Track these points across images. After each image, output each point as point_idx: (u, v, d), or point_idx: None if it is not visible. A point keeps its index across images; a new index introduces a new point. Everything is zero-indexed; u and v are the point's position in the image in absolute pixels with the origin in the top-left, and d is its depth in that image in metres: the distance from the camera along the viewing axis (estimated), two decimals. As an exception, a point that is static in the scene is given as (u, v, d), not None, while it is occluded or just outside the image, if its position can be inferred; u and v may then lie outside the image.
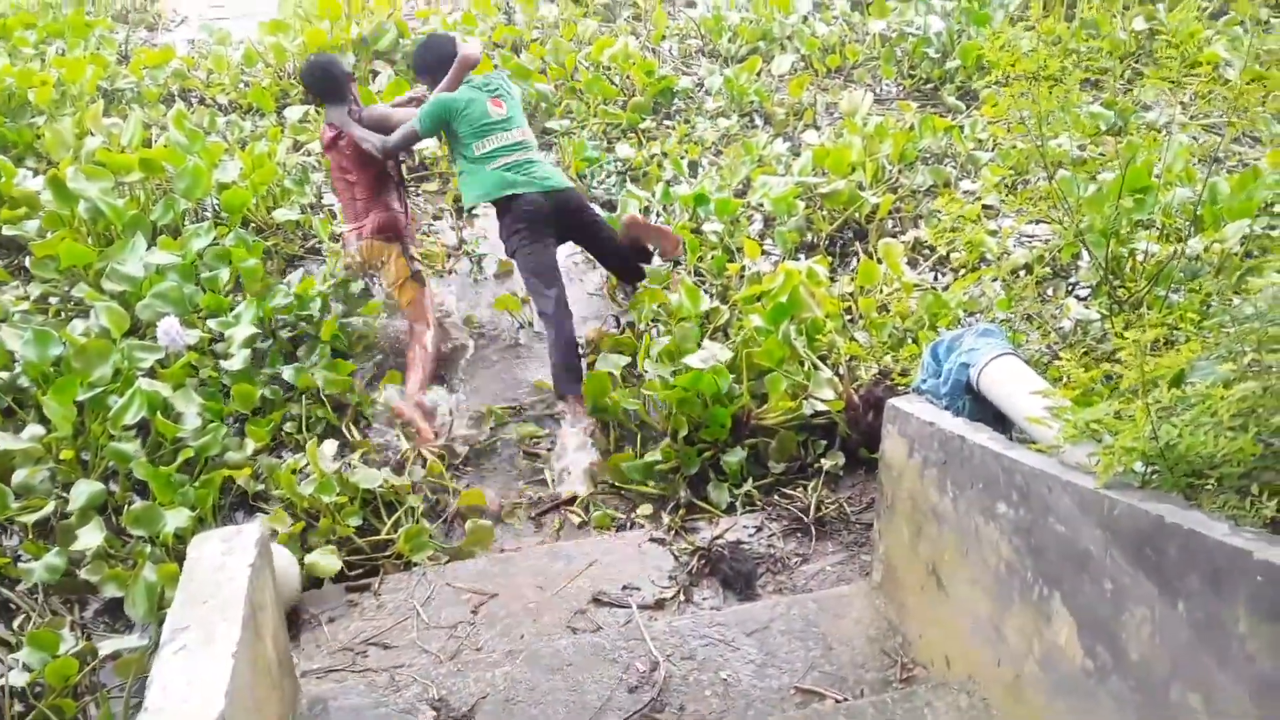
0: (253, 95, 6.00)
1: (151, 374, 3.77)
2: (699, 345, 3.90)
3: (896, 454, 2.69)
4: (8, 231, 4.44)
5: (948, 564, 2.47)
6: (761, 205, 4.84)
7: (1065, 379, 2.53)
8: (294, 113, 5.92)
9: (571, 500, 3.70)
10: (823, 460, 3.59)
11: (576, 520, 3.63)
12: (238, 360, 3.88)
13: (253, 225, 4.88)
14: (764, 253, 4.52)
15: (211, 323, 4.06)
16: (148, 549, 3.12)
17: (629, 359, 4.07)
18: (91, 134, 5.15)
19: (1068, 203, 3.44)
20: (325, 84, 4.38)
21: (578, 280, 5.02)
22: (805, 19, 7.09)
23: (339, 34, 6.56)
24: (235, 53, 6.49)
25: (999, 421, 2.55)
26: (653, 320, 4.25)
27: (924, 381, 2.79)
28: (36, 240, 4.34)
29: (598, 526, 3.57)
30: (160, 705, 1.93)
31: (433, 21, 7.00)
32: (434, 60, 4.33)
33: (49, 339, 3.71)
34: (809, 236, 4.69)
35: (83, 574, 3.09)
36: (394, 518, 3.43)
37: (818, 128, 5.69)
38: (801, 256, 4.46)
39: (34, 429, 3.51)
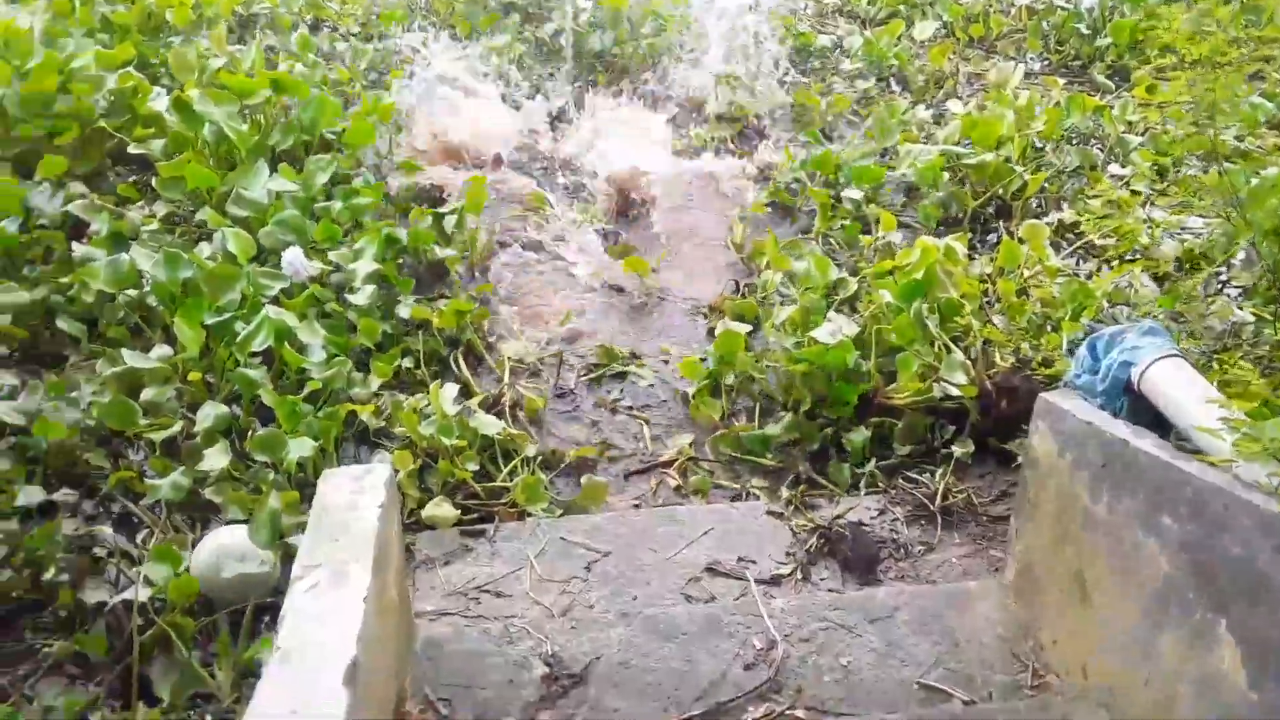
0: (382, 18, 6.05)
1: (275, 302, 3.79)
2: (825, 318, 3.79)
3: (1045, 451, 2.57)
4: (134, 150, 4.48)
5: (1095, 571, 2.35)
6: (905, 176, 4.66)
7: (1239, 386, 2.38)
8: (414, 38, 5.91)
9: (669, 464, 3.63)
10: (952, 447, 3.45)
11: (673, 483, 3.57)
12: (362, 296, 3.87)
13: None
14: (901, 225, 4.36)
15: (331, 255, 4.06)
16: (271, 475, 3.15)
17: (751, 326, 3.97)
18: (215, 56, 5.17)
19: (1237, 197, 3.23)
20: None
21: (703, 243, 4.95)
22: (950, -16, 6.82)
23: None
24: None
25: (1157, 425, 2.41)
26: (777, 289, 4.14)
27: (1078, 376, 2.65)
28: (163, 160, 4.38)
29: (694, 492, 3.50)
30: (293, 646, 1.93)
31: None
32: None
33: (179, 261, 3.74)
34: (951, 210, 4.51)
35: (206, 494, 3.13)
36: (510, 465, 3.41)
37: (959, 97, 5.49)
38: (941, 229, 4.30)
39: (161, 349, 3.56)
